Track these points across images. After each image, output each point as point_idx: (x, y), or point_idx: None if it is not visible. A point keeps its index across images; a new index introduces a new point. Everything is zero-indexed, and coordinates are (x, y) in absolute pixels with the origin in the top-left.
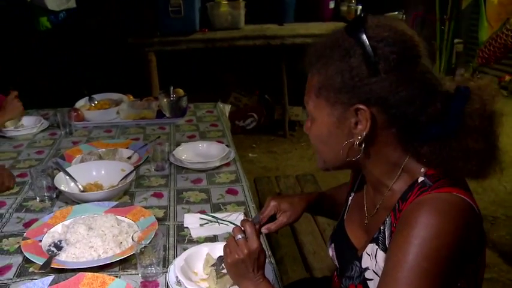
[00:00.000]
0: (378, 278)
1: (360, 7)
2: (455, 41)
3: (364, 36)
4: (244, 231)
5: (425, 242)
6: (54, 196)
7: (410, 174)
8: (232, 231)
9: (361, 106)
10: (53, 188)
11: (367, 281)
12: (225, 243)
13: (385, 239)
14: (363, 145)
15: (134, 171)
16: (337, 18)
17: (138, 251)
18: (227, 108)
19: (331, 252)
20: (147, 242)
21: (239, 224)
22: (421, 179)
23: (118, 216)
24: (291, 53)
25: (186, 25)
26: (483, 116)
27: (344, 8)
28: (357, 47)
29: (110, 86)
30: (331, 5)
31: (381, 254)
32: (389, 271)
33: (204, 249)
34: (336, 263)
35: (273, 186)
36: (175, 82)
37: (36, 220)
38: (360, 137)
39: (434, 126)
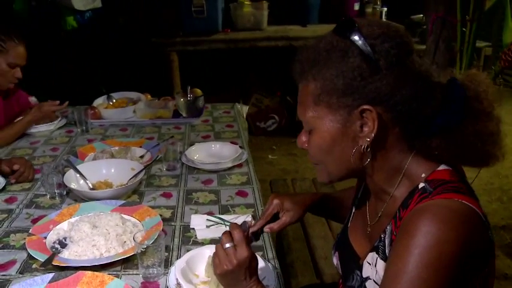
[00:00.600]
0: None
1: (385, 9)
2: (484, 44)
3: (359, 36)
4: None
5: (425, 251)
6: (64, 193)
7: (411, 179)
8: (221, 238)
9: (366, 107)
10: (63, 185)
11: None
12: None
13: (385, 247)
14: (369, 149)
15: (144, 170)
16: None
17: (139, 251)
18: (245, 109)
19: (335, 260)
20: (150, 243)
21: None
22: (421, 185)
23: (124, 215)
24: None
25: (209, 25)
26: (487, 99)
27: (369, 9)
28: (354, 47)
29: (129, 85)
30: (356, 6)
31: (380, 263)
32: (388, 281)
33: (207, 251)
34: (340, 271)
35: (288, 188)
36: (197, 82)
37: (44, 217)
38: (368, 140)
39: (440, 117)
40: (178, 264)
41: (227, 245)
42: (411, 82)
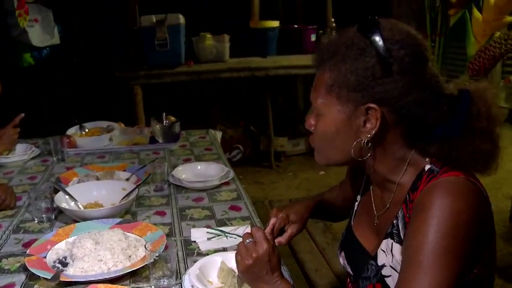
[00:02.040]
0: (396, 273)
1: None
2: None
3: (379, 38)
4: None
5: (443, 221)
6: (53, 218)
7: (415, 166)
8: (242, 237)
9: (372, 105)
10: (51, 209)
11: (385, 278)
12: None
13: (399, 231)
14: (370, 144)
15: (137, 189)
16: None
17: (152, 260)
18: (219, 134)
19: (341, 260)
20: (161, 251)
21: None
22: (427, 166)
23: (124, 232)
24: (275, 85)
25: (172, 58)
26: (489, 118)
27: (325, 40)
28: (372, 48)
29: (99, 115)
30: (313, 37)
31: (397, 247)
32: (410, 256)
33: (218, 258)
34: (349, 269)
35: (267, 210)
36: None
37: (36, 240)
38: (368, 135)
39: (440, 127)
40: (193, 271)
41: (248, 241)
42: (419, 90)
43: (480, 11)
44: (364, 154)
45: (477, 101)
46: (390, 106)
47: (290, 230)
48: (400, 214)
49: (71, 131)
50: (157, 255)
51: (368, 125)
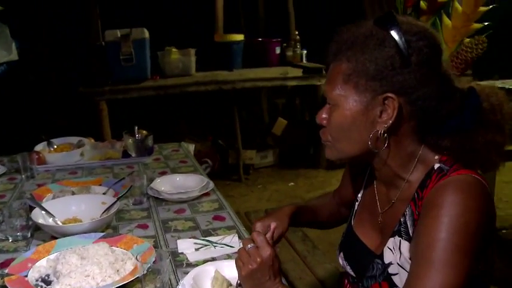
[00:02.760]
0: (403, 271)
1: (304, 51)
2: None
3: (398, 29)
4: (253, 241)
5: (455, 218)
6: (29, 236)
7: (425, 163)
8: (242, 243)
9: (390, 95)
10: (26, 227)
11: (392, 276)
12: (231, 260)
13: (407, 228)
14: (386, 135)
15: (118, 202)
16: (284, 63)
17: (144, 272)
18: (191, 147)
19: (341, 261)
20: (152, 262)
21: (235, 246)
22: (437, 165)
23: (110, 246)
24: (242, 98)
25: (138, 73)
26: (502, 112)
27: (290, 53)
28: (391, 39)
29: (65, 131)
30: (277, 50)
31: (405, 244)
32: (422, 253)
33: (211, 267)
34: (349, 269)
35: (244, 221)
36: (129, 130)
37: (12, 260)
38: (385, 126)
39: (453, 120)
40: (187, 282)
41: (249, 246)
42: (435, 82)
43: (450, 18)
44: (380, 146)
45: (485, 97)
46: (407, 96)
47: (276, 231)
48: (408, 211)
49: (38, 148)
50: (149, 266)
51: (384, 116)
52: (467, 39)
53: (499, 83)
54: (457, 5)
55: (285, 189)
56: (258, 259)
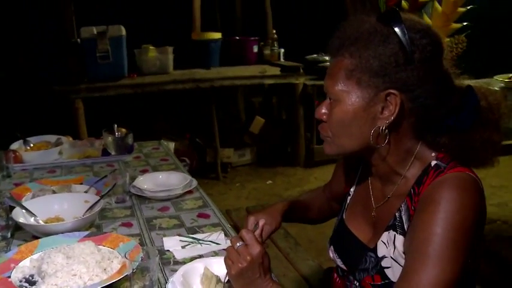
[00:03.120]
0: (397, 264)
1: (282, 50)
2: None
3: (402, 26)
4: (242, 239)
5: (451, 214)
6: (9, 236)
7: (422, 160)
8: (230, 241)
9: (393, 91)
10: (6, 227)
11: (385, 269)
12: (220, 257)
13: (402, 223)
14: (387, 131)
15: (102, 200)
16: (261, 61)
17: (134, 269)
18: (171, 145)
19: (331, 254)
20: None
21: (221, 243)
22: (433, 162)
23: (96, 244)
24: (220, 96)
25: (114, 71)
26: (499, 111)
27: (267, 51)
28: (395, 35)
29: (40, 129)
30: (255, 48)
31: (400, 239)
32: (418, 247)
33: (199, 264)
34: (340, 262)
35: (227, 218)
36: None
37: None
38: (387, 122)
39: (451, 118)
40: (177, 279)
41: (238, 244)
42: (437, 79)
43: (430, 18)
44: (380, 142)
45: (484, 96)
46: (409, 93)
47: (265, 232)
48: (403, 207)
49: (14, 146)
50: (137, 263)
51: (386, 112)
52: (447, 39)
53: (472, 83)
54: (437, 5)
55: (263, 188)
56: (248, 257)
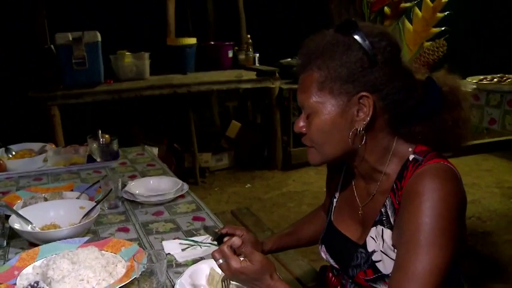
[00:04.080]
0: (387, 257)
1: (257, 55)
2: None
3: (361, 34)
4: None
5: (437, 203)
6: (5, 244)
7: (399, 156)
8: (212, 255)
9: (365, 93)
10: (1, 235)
11: (376, 263)
12: None
13: (389, 218)
14: (363, 131)
15: (98, 206)
16: (236, 66)
17: (143, 270)
18: (155, 150)
19: (323, 255)
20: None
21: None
22: (411, 156)
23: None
24: (197, 101)
25: (91, 77)
26: (460, 92)
27: (242, 56)
28: (356, 43)
29: (17, 137)
30: (230, 53)
31: (388, 233)
32: (409, 238)
33: (205, 266)
34: (332, 262)
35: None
36: (83, 136)
37: None
38: (364, 123)
39: (421, 107)
40: (185, 280)
41: (220, 261)
42: (401, 76)
43: (411, 23)
44: (358, 142)
45: (443, 82)
46: (379, 93)
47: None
48: (388, 202)
49: None
50: (146, 267)
51: (361, 114)
52: (427, 43)
53: None
54: (417, 10)
55: (243, 191)
56: (228, 273)
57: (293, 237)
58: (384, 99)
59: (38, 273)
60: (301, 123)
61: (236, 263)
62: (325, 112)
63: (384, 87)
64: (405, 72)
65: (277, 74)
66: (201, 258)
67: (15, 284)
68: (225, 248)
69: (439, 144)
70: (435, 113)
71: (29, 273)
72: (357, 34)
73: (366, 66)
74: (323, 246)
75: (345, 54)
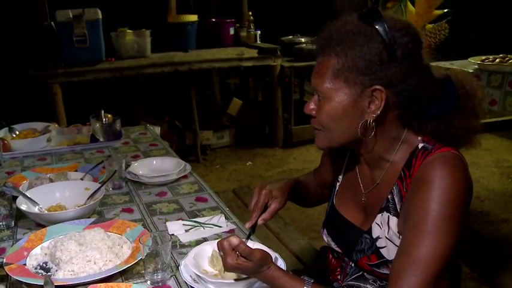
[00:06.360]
0: (391, 243)
1: (258, 32)
2: None
3: (385, 26)
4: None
5: (446, 190)
6: (13, 225)
7: (408, 144)
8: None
9: (379, 87)
10: (9, 216)
11: (380, 249)
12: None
13: (395, 205)
14: (373, 124)
15: (103, 188)
16: (238, 43)
17: (149, 251)
18: (157, 130)
19: (325, 238)
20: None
21: (223, 226)
22: (420, 145)
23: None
24: (198, 78)
25: (92, 55)
26: (476, 99)
27: (244, 33)
28: (378, 35)
29: (19, 116)
30: (231, 31)
31: (394, 220)
32: (416, 223)
33: (208, 247)
34: (334, 245)
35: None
36: (85, 113)
37: (2, 249)
38: (373, 116)
39: (434, 107)
40: (189, 262)
41: (221, 253)
42: (418, 74)
43: (413, 5)
44: (368, 134)
45: (461, 85)
46: (393, 88)
47: (273, 205)
48: (395, 189)
49: (0, 134)
50: (151, 248)
51: (372, 106)
52: (430, 25)
53: (448, 65)
54: None
55: (244, 169)
56: (226, 268)
57: (303, 191)
58: (398, 95)
59: (46, 254)
60: (312, 106)
61: (232, 259)
62: (337, 100)
63: (400, 83)
64: (424, 70)
65: (278, 52)
66: (204, 239)
67: (25, 264)
68: (225, 242)
69: (449, 141)
70: (447, 115)
71: (37, 253)
72: (379, 25)
73: (384, 60)
74: (325, 229)
75: (366, 45)
